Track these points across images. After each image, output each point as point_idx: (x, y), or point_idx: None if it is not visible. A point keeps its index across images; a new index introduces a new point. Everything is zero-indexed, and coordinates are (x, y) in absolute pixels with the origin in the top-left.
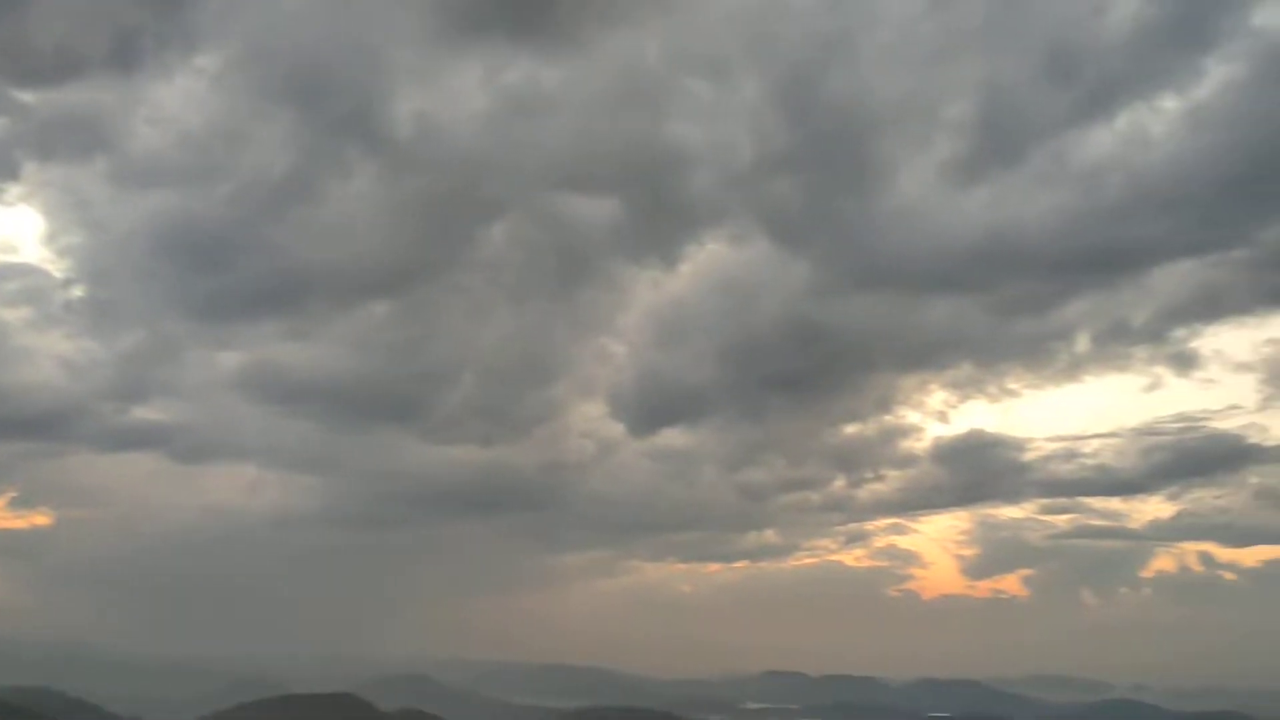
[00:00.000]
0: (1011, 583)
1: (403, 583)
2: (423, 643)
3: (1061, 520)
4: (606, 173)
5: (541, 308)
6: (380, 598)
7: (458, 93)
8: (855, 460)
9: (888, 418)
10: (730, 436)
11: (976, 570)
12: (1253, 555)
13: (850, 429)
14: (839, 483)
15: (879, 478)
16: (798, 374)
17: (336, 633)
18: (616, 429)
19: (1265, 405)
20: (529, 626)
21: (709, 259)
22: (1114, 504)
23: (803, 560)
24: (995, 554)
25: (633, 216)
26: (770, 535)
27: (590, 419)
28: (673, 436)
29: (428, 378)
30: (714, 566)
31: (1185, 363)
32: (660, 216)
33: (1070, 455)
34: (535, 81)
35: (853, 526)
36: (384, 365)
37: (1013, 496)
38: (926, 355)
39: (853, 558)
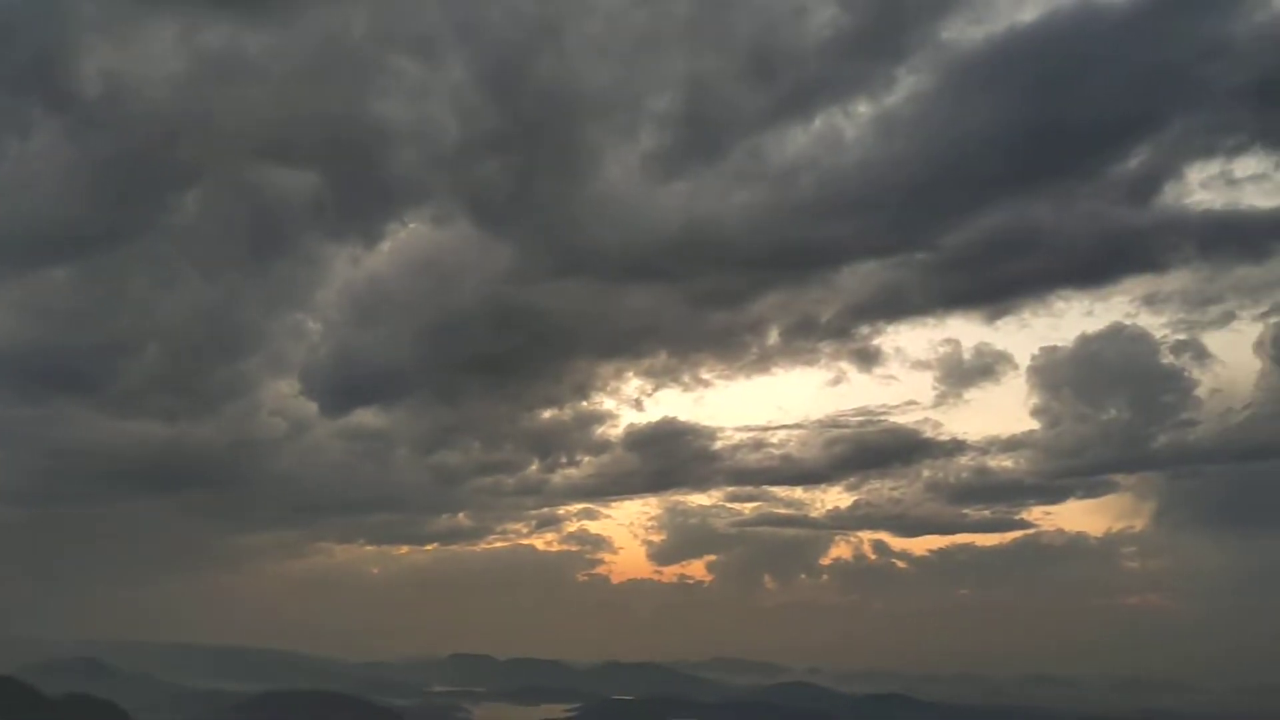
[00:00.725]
0: (698, 568)
1: (75, 562)
2: (95, 624)
3: (747, 508)
4: (307, 145)
5: (234, 280)
6: (49, 577)
7: (151, 53)
8: (550, 445)
9: (584, 404)
10: (425, 418)
11: (664, 555)
12: (922, 544)
13: (547, 414)
14: (533, 467)
15: (573, 463)
16: (496, 358)
17: None
18: (309, 407)
19: (940, 402)
20: (211, 608)
21: (410, 238)
22: (797, 493)
23: (494, 544)
24: (683, 540)
25: (333, 191)
26: (462, 518)
27: (281, 396)
28: (366, 417)
29: (109, 348)
30: (404, 549)
31: (868, 359)
32: (362, 193)
33: (758, 445)
34: (235, 46)
35: (545, 511)
36: (61, 333)
37: (702, 484)
38: (624, 343)
39: (544, 542)
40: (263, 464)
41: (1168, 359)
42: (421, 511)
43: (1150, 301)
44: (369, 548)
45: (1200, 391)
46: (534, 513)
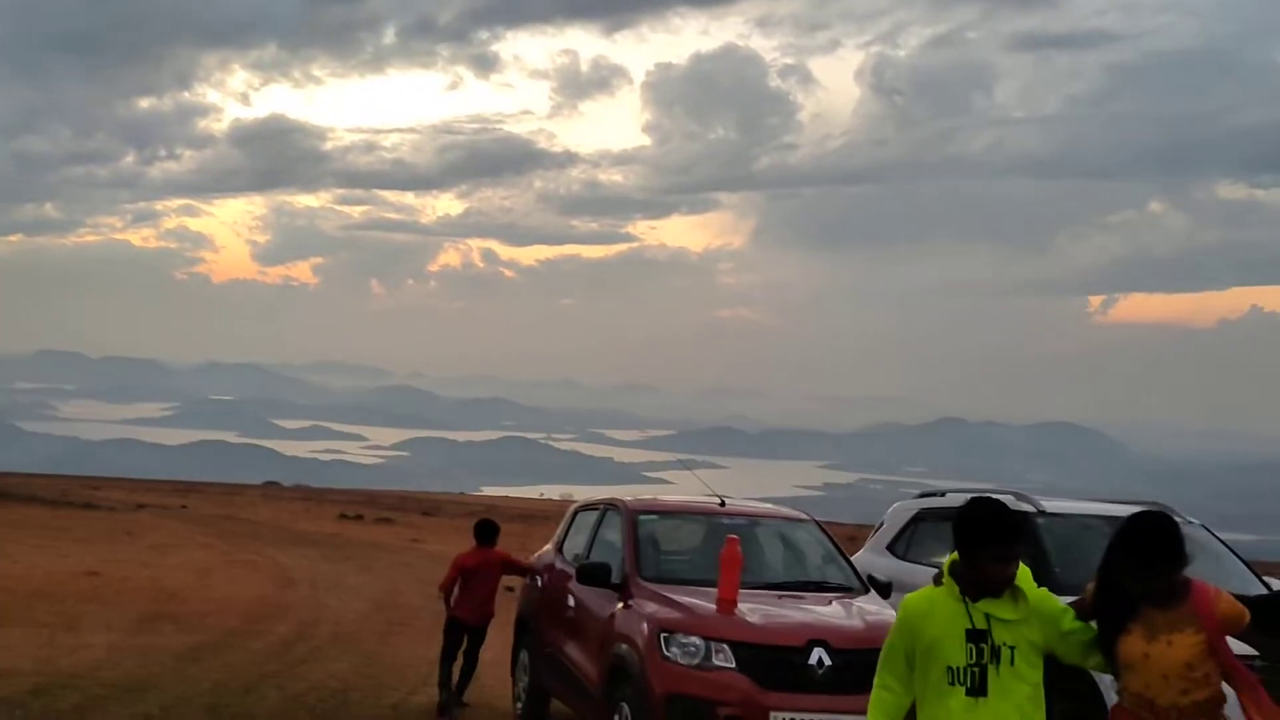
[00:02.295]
0: (303, 270)
1: None
2: None
3: (356, 211)
4: None
5: None
6: None
7: None
8: (148, 136)
9: (186, 94)
10: (6, 99)
11: (269, 256)
12: (530, 254)
13: (144, 103)
14: (129, 159)
15: (173, 156)
16: (88, 36)
17: None
18: None
19: (555, 113)
20: None
21: None
22: (408, 198)
23: (85, 237)
24: (289, 241)
25: None
26: (50, 209)
27: None
28: None
29: None
30: None
31: (485, 65)
32: None
33: (369, 147)
34: None
35: (142, 205)
36: None
37: (310, 185)
38: (230, 32)
39: (140, 237)
40: None
41: (775, 82)
42: (3, 199)
43: (763, 24)
44: None
45: (803, 116)
46: (129, 206)
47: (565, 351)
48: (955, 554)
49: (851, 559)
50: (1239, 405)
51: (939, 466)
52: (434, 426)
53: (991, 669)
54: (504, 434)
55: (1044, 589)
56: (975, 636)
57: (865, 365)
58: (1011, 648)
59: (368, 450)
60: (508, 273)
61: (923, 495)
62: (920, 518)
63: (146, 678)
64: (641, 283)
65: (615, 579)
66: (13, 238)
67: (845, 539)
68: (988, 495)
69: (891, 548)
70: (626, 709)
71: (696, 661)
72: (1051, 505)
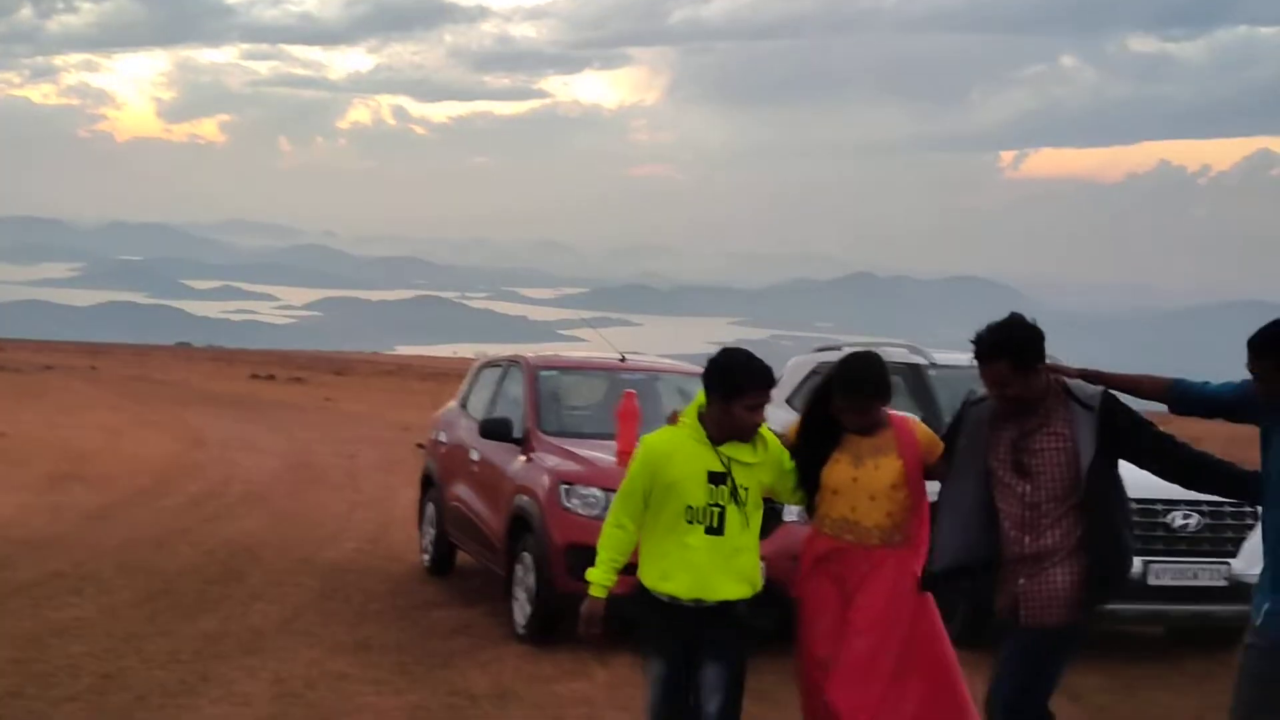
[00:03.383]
0: (210, 128)
1: None
2: None
3: (263, 67)
4: None
5: None
6: None
7: None
8: None
9: None
10: None
11: (174, 113)
12: (442, 111)
13: None
14: (25, 11)
15: (71, 9)
16: None
17: None
18: None
19: None
20: None
21: None
22: (316, 53)
23: None
24: (194, 98)
25: None
26: None
27: None
28: None
29: None
30: None
31: None
32: None
33: (275, 1)
34: None
35: (40, 60)
36: None
37: (215, 39)
38: None
39: (40, 94)
40: None
41: None
42: None
43: None
44: None
45: None
46: (27, 61)
47: (478, 210)
48: (701, 399)
49: None
50: (1145, 259)
51: (850, 322)
52: (346, 286)
53: (730, 509)
54: (417, 293)
55: (773, 433)
56: (716, 478)
57: (778, 222)
58: (746, 489)
59: (280, 310)
60: (419, 130)
61: (819, 350)
62: (816, 371)
63: (55, 536)
64: (554, 140)
65: (517, 434)
66: None
67: None
68: (740, 346)
69: (790, 401)
70: (528, 558)
71: (596, 512)
72: (942, 357)
